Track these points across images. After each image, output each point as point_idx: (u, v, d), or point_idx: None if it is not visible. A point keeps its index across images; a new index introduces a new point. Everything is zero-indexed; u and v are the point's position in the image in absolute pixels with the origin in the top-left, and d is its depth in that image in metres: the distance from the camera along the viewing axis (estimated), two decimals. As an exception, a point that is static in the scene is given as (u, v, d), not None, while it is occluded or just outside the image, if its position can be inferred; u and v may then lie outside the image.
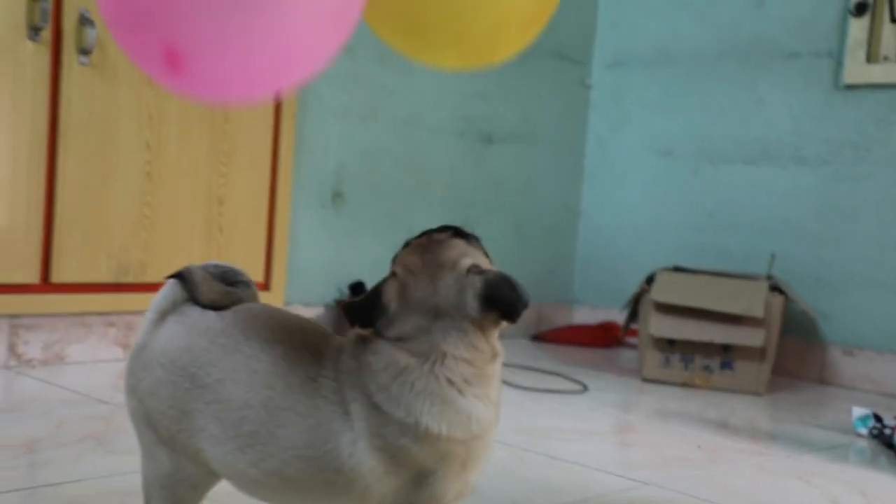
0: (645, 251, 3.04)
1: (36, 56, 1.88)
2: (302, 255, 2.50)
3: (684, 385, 2.42)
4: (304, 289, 2.51)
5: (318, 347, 0.89)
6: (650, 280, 2.49)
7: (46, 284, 1.96)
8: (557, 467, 1.55)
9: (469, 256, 0.90)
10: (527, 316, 3.10)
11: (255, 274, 2.33)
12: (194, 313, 0.91)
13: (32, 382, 1.85)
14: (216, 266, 0.96)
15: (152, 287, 2.10)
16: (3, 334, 1.93)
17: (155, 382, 0.89)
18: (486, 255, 0.94)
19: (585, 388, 2.26)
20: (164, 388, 0.89)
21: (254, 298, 0.96)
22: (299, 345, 0.88)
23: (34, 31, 1.86)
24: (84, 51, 1.93)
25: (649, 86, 3.09)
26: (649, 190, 3.08)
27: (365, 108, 2.61)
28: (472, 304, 0.87)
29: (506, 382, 2.25)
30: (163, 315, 0.92)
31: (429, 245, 0.90)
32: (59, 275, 1.97)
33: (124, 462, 1.35)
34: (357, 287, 2.54)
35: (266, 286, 2.36)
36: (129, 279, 2.07)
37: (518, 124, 3.03)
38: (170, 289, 0.93)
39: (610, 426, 2.00)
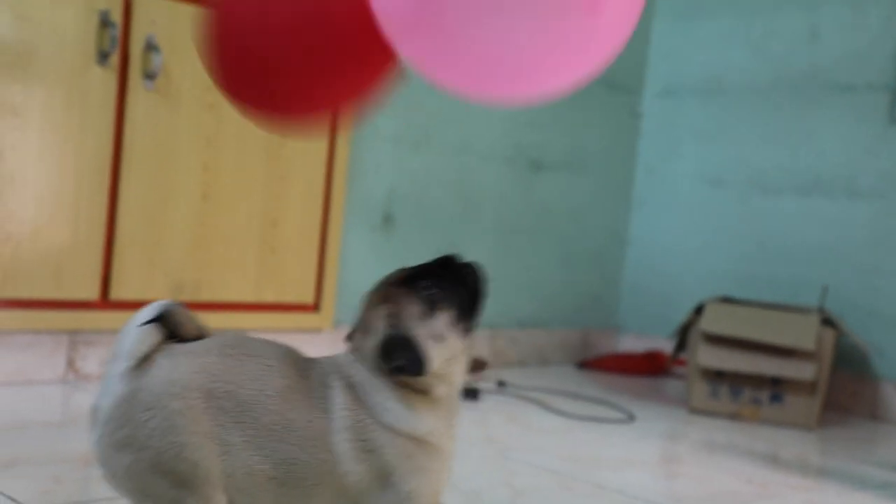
0: (693, 280, 3.03)
1: (103, 81, 1.94)
2: (352, 277, 2.53)
3: (732, 417, 2.40)
4: (353, 310, 2.53)
5: (294, 350, 0.99)
6: (699, 310, 2.48)
7: (105, 301, 2.01)
8: (604, 497, 1.55)
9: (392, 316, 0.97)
10: (572, 342, 3.11)
11: (306, 295, 2.37)
12: (183, 346, 0.93)
13: (89, 398, 1.90)
14: (174, 304, 0.96)
15: (207, 306, 2.16)
16: (63, 349, 1.99)
17: (169, 416, 0.88)
18: (454, 302, 0.98)
19: (632, 418, 2.25)
20: (181, 417, 0.88)
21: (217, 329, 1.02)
22: (286, 349, 0.98)
23: (103, 56, 1.93)
24: (149, 76, 1.99)
25: (700, 115, 3.09)
26: (698, 219, 3.07)
27: (417, 133, 2.65)
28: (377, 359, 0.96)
29: (551, 409, 2.25)
30: (142, 360, 0.91)
31: (386, 294, 1.00)
32: (118, 292, 2.02)
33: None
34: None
35: (316, 307, 2.39)
36: (185, 297, 2.11)
37: (567, 152, 3.04)
38: (148, 333, 0.91)
39: (657, 457, 2.00)
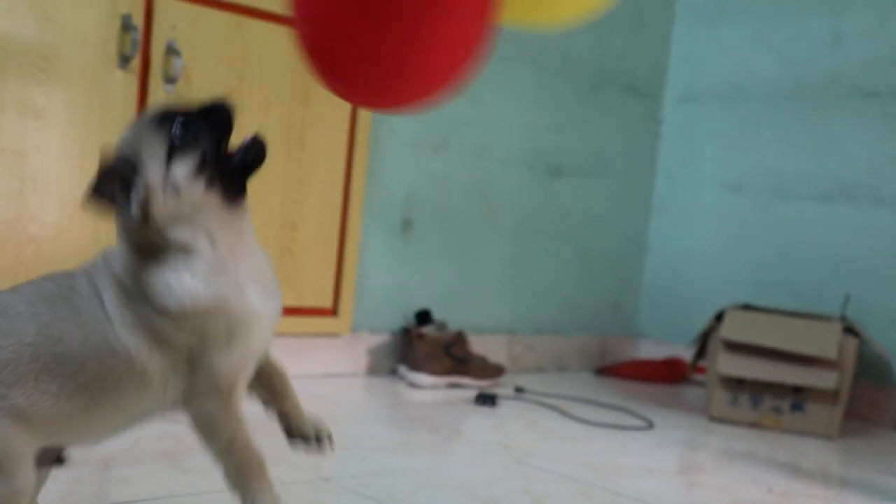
0: (713, 287, 3.00)
1: (125, 84, 1.95)
2: (370, 281, 2.53)
3: (752, 425, 2.38)
4: (371, 315, 2.54)
5: (68, 273, 0.93)
6: (719, 317, 2.46)
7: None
8: (624, 505, 1.54)
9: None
10: (590, 348, 3.09)
11: (324, 299, 2.36)
12: None
13: (108, 399, 1.90)
14: None
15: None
16: (82, 351, 1.99)
17: None
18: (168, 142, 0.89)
19: (651, 425, 2.24)
20: None
21: None
22: (48, 281, 0.92)
23: (124, 60, 1.93)
24: (170, 79, 2.00)
25: (721, 121, 3.07)
26: (719, 225, 3.05)
27: (436, 138, 2.64)
28: None
29: (569, 416, 2.23)
30: None
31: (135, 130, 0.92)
32: (137, 295, 2.03)
33: (196, 481, 1.38)
34: (423, 315, 2.56)
35: (334, 311, 2.39)
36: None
37: (587, 157, 3.03)
38: None
39: (676, 465, 1.98)
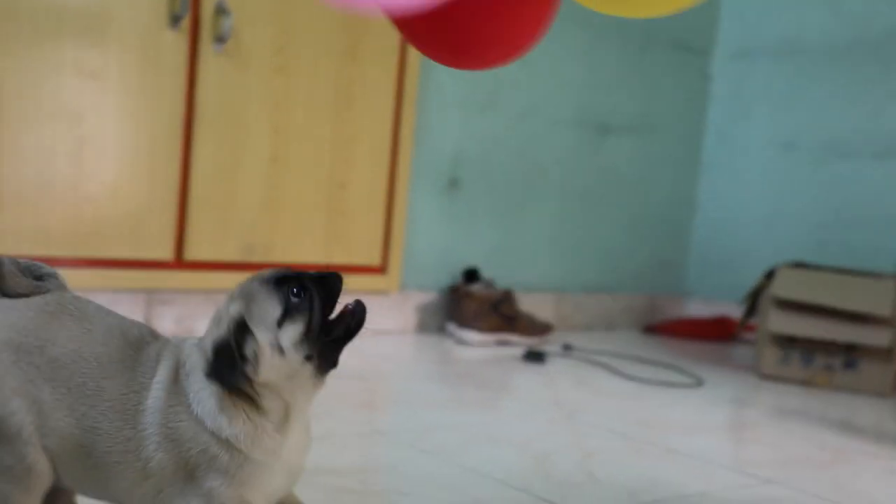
0: (763, 246, 2.97)
1: (175, 44, 1.97)
2: (418, 240, 2.54)
3: (804, 383, 2.36)
4: (419, 273, 2.55)
5: (139, 326, 0.93)
6: (770, 275, 2.44)
7: (180, 262, 2.06)
8: (675, 461, 1.54)
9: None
10: (638, 307, 3.08)
11: (373, 257, 2.38)
12: (6, 301, 0.90)
13: (166, 355, 1.94)
14: (18, 262, 0.94)
15: (277, 267, 2.18)
16: (140, 307, 2.04)
17: None
18: (285, 307, 0.90)
19: (701, 383, 2.23)
20: (7, 368, 0.86)
21: (62, 288, 0.95)
22: (123, 320, 0.92)
23: (174, 20, 1.95)
24: (220, 39, 2.01)
25: (773, 77, 3.01)
26: (770, 184, 3.01)
27: (484, 97, 2.63)
28: None
29: (618, 373, 2.24)
30: None
31: (248, 289, 0.92)
32: (192, 253, 2.06)
33: None
34: (471, 273, 2.57)
35: (383, 270, 2.41)
36: (256, 259, 2.15)
37: (636, 115, 3.00)
38: None
39: (727, 422, 1.98)
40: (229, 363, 0.86)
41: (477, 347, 2.44)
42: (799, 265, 2.53)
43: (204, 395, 0.87)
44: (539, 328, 2.56)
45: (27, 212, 1.84)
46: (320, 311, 0.89)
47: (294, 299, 0.88)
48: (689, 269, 3.22)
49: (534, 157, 2.77)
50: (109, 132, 1.92)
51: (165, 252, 2.02)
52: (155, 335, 0.94)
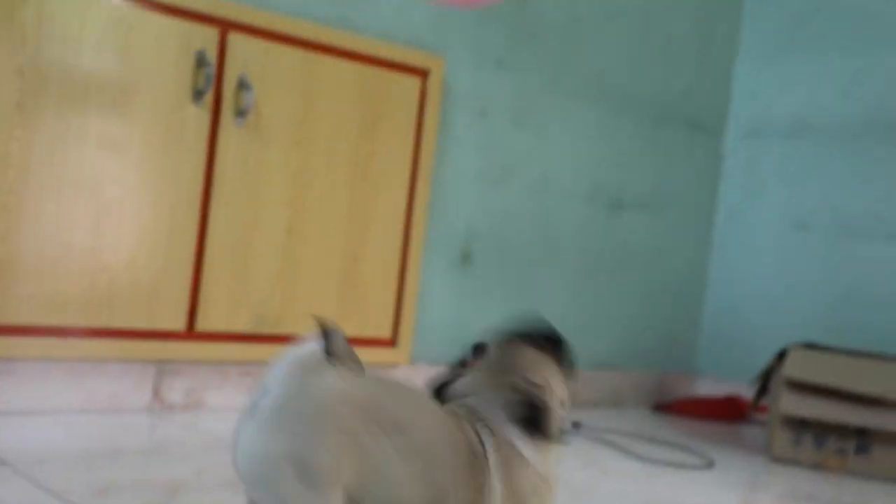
0: (775, 325, 2.96)
1: (197, 118, 2.01)
2: (429, 314, 2.55)
3: (816, 467, 2.34)
4: (429, 347, 2.55)
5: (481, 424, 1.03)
6: (782, 356, 2.43)
7: (191, 332, 2.06)
8: (687, 547, 1.52)
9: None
10: (648, 384, 3.06)
11: (384, 330, 2.39)
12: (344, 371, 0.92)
13: (174, 427, 1.94)
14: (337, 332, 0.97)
15: (287, 339, 2.19)
16: (150, 378, 2.04)
17: (325, 417, 0.87)
18: (562, 361, 1.09)
19: (711, 464, 2.21)
20: (335, 421, 0.87)
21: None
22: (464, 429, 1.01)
23: (198, 94, 1.99)
24: (240, 113, 2.05)
25: (786, 157, 3.04)
26: (782, 263, 3.01)
27: (499, 171, 2.67)
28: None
29: (628, 452, 2.22)
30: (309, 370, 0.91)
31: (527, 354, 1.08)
32: (203, 323, 2.07)
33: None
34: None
35: (393, 343, 2.41)
36: (266, 330, 2.16)
37: (649, 191, 3.02)
38: (316, 349, 0.92)
39: (738, 506, 1.95)
40: (544, 422, 1.02)
41: (486, 422, 2.42)
42: (811, 346, 2.52)
43: (522, 443, 1.01)
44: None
45: (44, 279, 1.86)
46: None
47: (569, 358, 1.13)
48: (700, 346, 3.21)
49: (546, 231, 2.79)
50: (128, 203, 1.95)
51: (178, 322, 2.03)
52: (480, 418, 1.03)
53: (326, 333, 0.93)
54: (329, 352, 0.92)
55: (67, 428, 1.83)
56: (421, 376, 2.53)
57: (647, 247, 3.04)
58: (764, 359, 2.64)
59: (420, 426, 0.92)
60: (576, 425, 2.48)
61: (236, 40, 2.05)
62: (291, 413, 0.86)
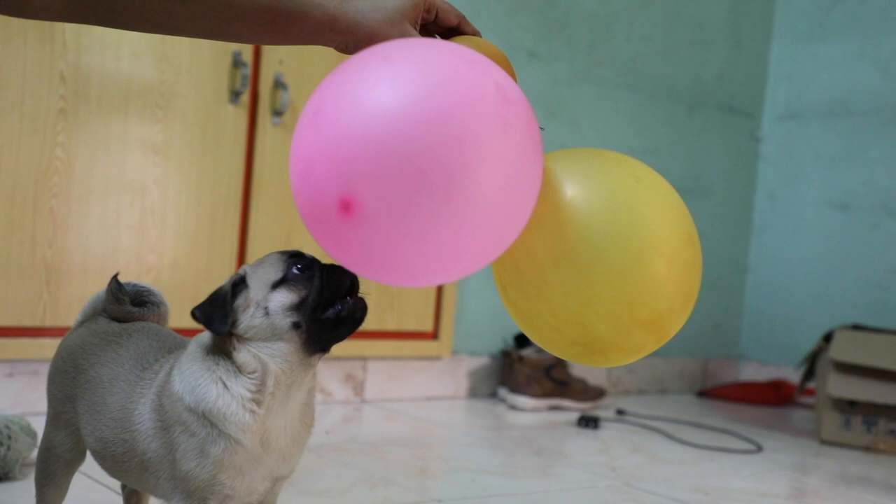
0: (818, 308, 2.93)
1: (235, 118, 2.03)
2: (469, 305, 2.55)
3: (866, 449, 2.31)
4: (470, 339, 2.56)
5: (176, 344, 1.03)
6: (828, 338, 2.40)
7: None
8: (739, 529, 1.51)
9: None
10: (692, 371, 3.04)
11: (425, 323, 2.40)
12: (102, 322, 1.07)
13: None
14: (134, 286, 1.10)
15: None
16: (198, 376, 2.06)
17: (53, 370, 1.07)
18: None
19: (759, 448, 2.19)
20: (58, 375, 1.06)
21: (162, 319, 1.10)
22: (164, 339, 1.03)
23: (235, 95, 2.01)
24: (277, 112, 2.07)
25: (825, 138, 3.00)
26: (824, 245, 2.98)
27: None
28: None
29: (674, 439, 2.21)
30: (83, 321, 1.09)
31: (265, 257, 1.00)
32: (248, 321, 2.09)
33: (316, 501, 1.41)
34: (522, 338, 2.57)
35: (435, 335, 2.42)
36: (310, 326, 2.17)
37: (686, 178, 3.00)
38: (91, 301, 1.11)
39: (789, 489, 1.94)
40: (220, 307, 0.91)
41: (529, 413, 2.43)
42: (857, 327, 2.49)
43: (186, 372, 0.93)
44: (592, 393, 2.55)
45: (91, 282, 1.89)
46: (318, 289, 0.93)
47: (295, 271, 0.93)
48: (743, 332, 3.18)
49: (583, 221, 2.78)
50: (171, 204, 1.97)
51: (223, 320, 2.06)
52: (171, 354, 1.01)
53: (112, 283, 1.07)
54: (105, 302, 1.08)
55: (119, 427, 1.85)
56: (463, 368, 2.54)
57: (685, 233, 3.01)
58: (807, 342, 2.61)
59: (96, 387, 1.01)
60: (620, 412, 2.47)
61: (271, 40, 2.07)
62: (52, 364, 1.09)
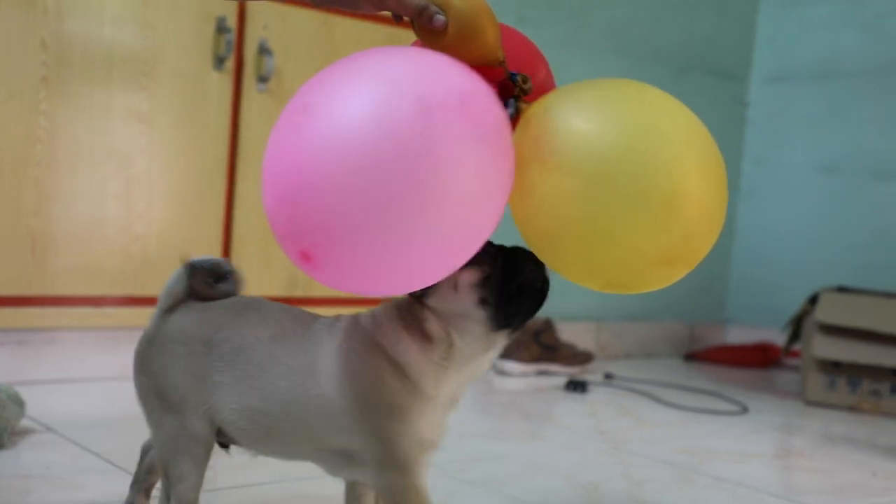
0: (804, 271, 2.95)
1: (220, 85, 2.02)
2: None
3: (851, 409, 2.34)
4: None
5: (316, 315, 1.04)
6: (813, 300, 2.42)
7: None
8: (725, 489, 1.53)
9: None
10: (679, 334, 3.07)
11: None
12: (199, 304, 1.05)
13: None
14: (207, 260, 1.08)
15: (319, 301, 2.21)
16: (187, 344, 2.07)
17: (170, 358, 1.03)
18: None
19: (745, 410, 2.22)
20: (180, 360, 1.02)
21: (241, 290, 1.09)
22: (297, 310, 1.05)
23: (219, 61, 2.00)
24: (263, 78, 2.05)
25: (811, 101, 3.00)
26: (811, 208, 2.99)
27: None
28: None
29: (662, 401, 2.23)
30: (170, 308, 1.06)
31: None
32: (237, 289, 2.09)
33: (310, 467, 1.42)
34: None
35: (424, 302, 2.43)
36: (298, 293, 2.18)
37: (672, 141, 3.00)
38: (174, 283, 1.07)
39: (774, 449, 1.96)
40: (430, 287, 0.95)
41: (518, 377, 2.44)
42: (842, 289, 2.51)
43: (387, 327, 0.97)
44: (580, 357, 2.56)
45: (79, 251, 1.88)
46: (501, 268, 0.97)
47: (485, 256, 0.96)
48: (730, 295, 3.20)
49: (571, 186, 2.78)
50: (157, 172, 1.96)
51: (211, 288, 2.05)
52: (331, 319, 1.04)
53: (190, 269, 1.05)
54: (190, 287, 1.05)
55: (106, 395, 1.86)
56: (452, 334, 2.55)
57: (673, 198, 3.02)
58: (794, 305, 2.63)
59: (257, 345, 1.00)
60: (608, 376, 2.49)
61: (256, 6, 2.05)
62: (144, 358, 1.05)
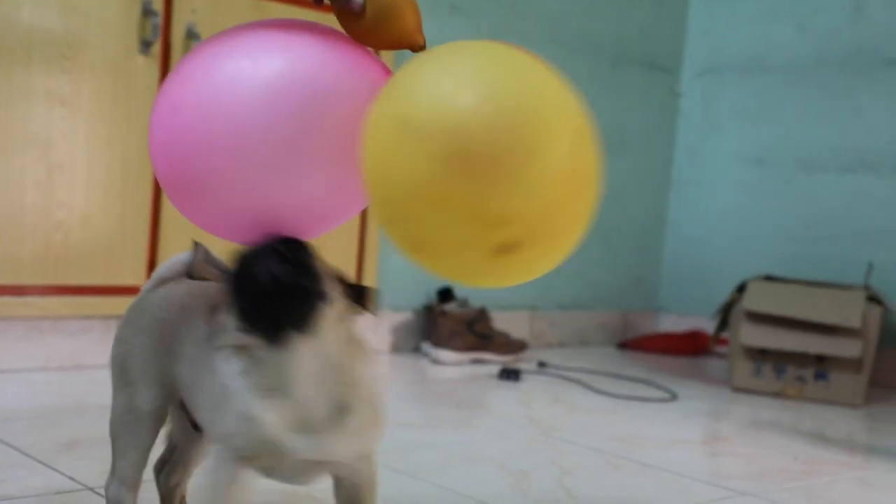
0: (735, 260, 3.01)
1: (146, 69, 1.97)
2: (392, 260, 2.55)
3: (776, 395, 2.39)
4: (393, 293, 2.56)
5: None
6: (741, 289, 2.47)
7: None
8: (651, 475, 1.55)
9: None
10: (612, 323, 3.10)
11: (348, 279, 2.38)
12: (195, 282, 1.04)
13: (140, 381, 1.93)
14: (209, 252, 1.05)
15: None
16: (110, 335, 2.02)
17: (149, 322, 1.03)
18: None
19: (675, 397, 2.25)
20: (157, 324, 1.03)
21: None
22: None
23: (145, 45, 1.95)
24: (191, 63, 2.01)
25: (742, 94, 3.06)
26: (740, 199, 3.05)
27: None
28: None
29: (593, 389, 2.25)
30: (163, 281, 1.07)
31: None
32: (165, 278, 2.05)
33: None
34: (445, 293, 2.58)
35: (358, 291, 2.41)
36: (229, 283, 2.14)
37: (607, 133, 3.01)
38: (177, 259, 1.08)
39: (701, 435, 1.99)
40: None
41: (452, 366, 2.45)
42: (770, 278, 2.56)
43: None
44: (514, 346, 2.57)
45: (-3, 239, 1.83)
46: (235, 275, 0.94)
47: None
48: (662, 284, 3.25)
49: (506, 175, 2.79)
50: (80, 159, 1.91)
51: (137, 277, 2.01)
52: None
53: (195, 246, 1.04)
54: (189, 265, 1.02)
55: (29, 386, 1.81)
56: (386, 322, 2.54)
57: (606, 187, 3.03)
58: (725, 294, 2.68)
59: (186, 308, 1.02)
60: (541, 364, 2.50)
61: (183, -12, 2.00)
62: (126, 324, 1.06)
